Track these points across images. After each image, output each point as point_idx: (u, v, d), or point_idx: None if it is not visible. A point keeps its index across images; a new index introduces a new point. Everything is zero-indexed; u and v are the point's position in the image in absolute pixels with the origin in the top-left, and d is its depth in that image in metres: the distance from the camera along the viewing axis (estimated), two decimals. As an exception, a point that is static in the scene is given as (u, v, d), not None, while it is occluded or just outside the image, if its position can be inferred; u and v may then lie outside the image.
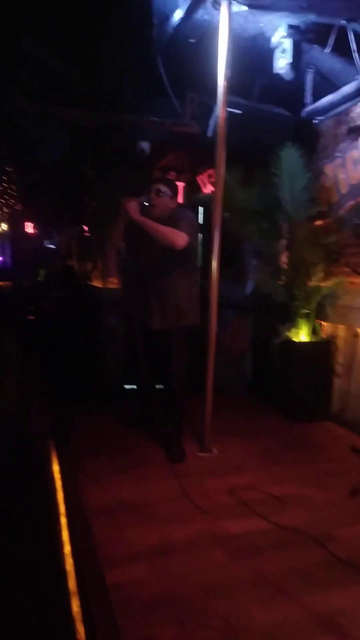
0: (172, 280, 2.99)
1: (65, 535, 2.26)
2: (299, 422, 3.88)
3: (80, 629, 1.72)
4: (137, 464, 3.03)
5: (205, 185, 5.30)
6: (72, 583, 1.93)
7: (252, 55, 3.50)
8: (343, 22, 3.13)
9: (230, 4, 2.86)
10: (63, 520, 2.38)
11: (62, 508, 2.50)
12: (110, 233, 3.11)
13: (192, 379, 3.23)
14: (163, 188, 3.01)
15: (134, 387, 3.78)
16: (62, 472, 2.92)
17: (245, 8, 2.98)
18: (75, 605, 1.82)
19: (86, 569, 2.01)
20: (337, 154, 3.93)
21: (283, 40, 3.23)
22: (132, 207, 2.85)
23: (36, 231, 14.20)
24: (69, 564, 2.05)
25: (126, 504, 2.55)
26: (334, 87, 3.57)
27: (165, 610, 1.80)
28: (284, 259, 4.28)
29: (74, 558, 2.08)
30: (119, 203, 2.99)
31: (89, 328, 4.96)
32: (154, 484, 2.78)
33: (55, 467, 2.99)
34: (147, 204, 2.94)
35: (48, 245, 13.78)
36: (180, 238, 2.82)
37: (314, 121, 3.96)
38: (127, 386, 4.48)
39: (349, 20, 3.11)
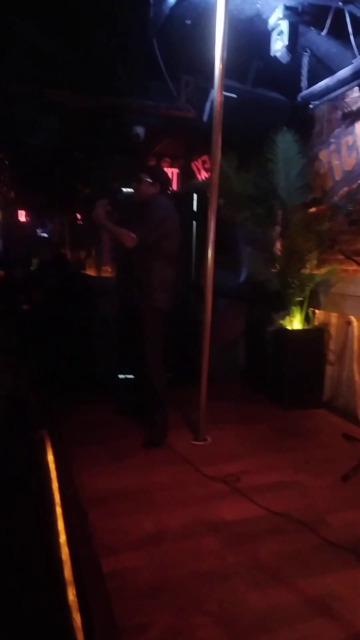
0: (139, 265, 3.13)
1: (60, 524, 2.26)
2: (291, 409, 3.90)
3: (77, 617, 1.72)
4: (132, 453, 3.03)
5: (199, 171, 5.25)
6: (67, 572, 1.94)
7: (248, 37, 3.43)
8: (340, 4, 3.06)
9: (226, -17, 2.80)
10: (58, 510, 2.38)
11: (57, 497, 2.50)
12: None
13: (184, 367, 3.21)
14: (143, 176, 3.18)
15: (129, 376, 3.77)
16: (56, 461, 2.92)
17: (241, -12, 2.92)
18: (71, 594, 1.82)
19: (82, 558, 2.02)
20: (332, 140, 3.89)
21: (280, 21, 3.16)
22: (96, 213, 3.04)
23: (28, 219, 14.02)
24: (65, 553, 2.05)
25: (121, 493, 2.55)
26: (330, 71, 3.52)
27: (160, 597, 1.81)
28: (278, 246, 4.26)
29: (69, 547, 2.09)
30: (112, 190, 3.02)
31: (82, 317, 4.92)
32: (149, 473, 2.78)
33: (50, 457, 2.99)
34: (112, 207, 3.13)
35: (41, 234, 13.64)
36: (127, 240, 3.01)
37: (309, 106, 3.91)
38: (121, 375, 4.46)
39: (345, 2, 3.05)
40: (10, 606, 1.83)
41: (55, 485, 2.64)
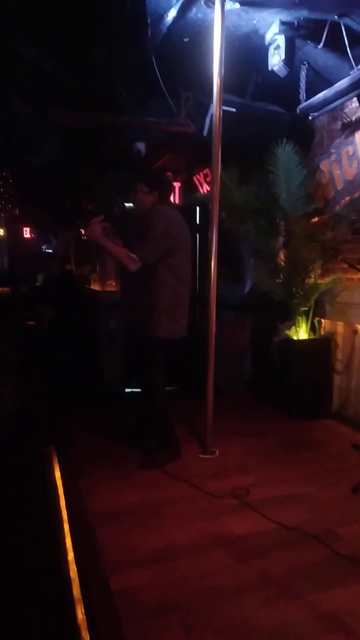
0: (144, 289, 2.90)
1: (68, 542, 2.25)
2: (300, 420, 3.87)
3: (86, 636, 1.70)
4: (139, 468, 3.00)
5: (201, 185, 5.29)
6: (76, 590, 1.92)
7: (246, 52, 3.47)
8: (335, 17, 3.10)
9: (223, 1, 2.85)
10: (66, 527, 2.37)
11: (64, 514, 2.48)
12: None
13: (191, 379, 3.18)
14: (139, 185, 2.94)
15: (136, 390, 3.74)
16: (64, 478, 2.90)
17: (237, 5, 2.97)
18: (80, 613, 1.80)
19: (90, 576, 2.00)
20: (332, 150, 3.91)
21: (276, 36, 3.20)
22: (91, 231, 2.79)
23: (33, 235, 14.17)
24: (73, 570, 2.03)
25: (129, 509, 2.53)
26: (328, 83, 3.55)
27: (170, 614, 1.78)
28: (281, 256, 4.27)
29: (77, 565, 2.07)
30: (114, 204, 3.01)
31: (88, 332, 4.94)
32: (157, 488, 2.76)
33: (57, 473, 2.97)
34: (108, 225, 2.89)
35: (46, 250, 13.76)
36: (128, 263, 2.75)
37: (308, 117, 3.94)
38: (127, 389, 4.46)
39: (340, 16, 3.09)
40: (18, 625, 1.81)
41: (62, 501, 2.62)
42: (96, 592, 1.91)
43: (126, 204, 4.19)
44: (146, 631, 1.70)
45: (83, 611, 1.81)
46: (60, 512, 2.52)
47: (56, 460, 3.17)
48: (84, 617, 1.78)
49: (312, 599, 1.85)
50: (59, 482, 2.86)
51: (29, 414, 4.19)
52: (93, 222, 2.80)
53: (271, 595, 1.88)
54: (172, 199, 5.33)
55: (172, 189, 4.68)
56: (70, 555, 2.15)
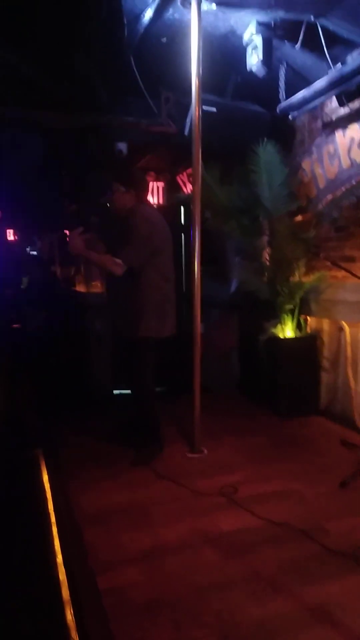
0: (130, 290, 2.92)
1: (56, 544, 2.24)
2: (288, 418, 3.89)
3: (75, 637, 1.70)
4: (127, 469, 3.01)
5: (185, 184, 5.30)
6: (65, 592, 1.92)
7: (224, 52, 3.49)
8: (311, 18, 3.13)
9: (199, 2, 2.87)
10: (54, 529, 2.36)
11: (53, 517, 2.48)
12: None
13: (179, 379, 3.19)
14: (115, 185, 2.92)
15: (124, 391, 3.74)
16: (52, 480, 2.89)
17: (214, 6, 2.98)
18: (69, 614, 1.80)
19: (78, 577, 2.00)
20: (314, 149, 3.95)
21: (254, 37, 3.22)
22: (73, 244, 2.79)
23: (17, 238, 14.05)
24: (62, 573, 2.03)
25: (117, 509, 2.53)
26: (307, 82, 3.59)
27: (158, 611, 1.79)
28: (266, 255, 4.30)
29: (66, 567, 2.07)
30: (99, 205, 2.98)
31: (75, 334, 4.92)
32: (145, 488, 2.77)
33: (45, 477, 2.96)
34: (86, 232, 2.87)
35: (30, 252, 13.65)
36: (114, 268, 2.77)
37: (289, 117, 3.98)
38: (116, 391, 4.45)
39: (316, 16, 3.11)
40: (8, 628, 1.80)
41: (50, 505, 2.61)
42: (85, 592, 1.91)
43: (109, 204, 4.19)
44: (135, 628, 1.71)
45: (72, 612, 1.81)
46: (48, 514, 2.51)
47: (44, 463, 3.15)
48: (73, 617, 1.78)
49: (300, 593, 1.88)
50: (47, 485, 2.85)
51: (17, 416, 4.16)
52: (73, 236, 2.79)
53: (259, 590, 1.90)
54: (155, 199, 5.33)
55: (148, 185, 4.62)
56: (59, 558, 2.14)
